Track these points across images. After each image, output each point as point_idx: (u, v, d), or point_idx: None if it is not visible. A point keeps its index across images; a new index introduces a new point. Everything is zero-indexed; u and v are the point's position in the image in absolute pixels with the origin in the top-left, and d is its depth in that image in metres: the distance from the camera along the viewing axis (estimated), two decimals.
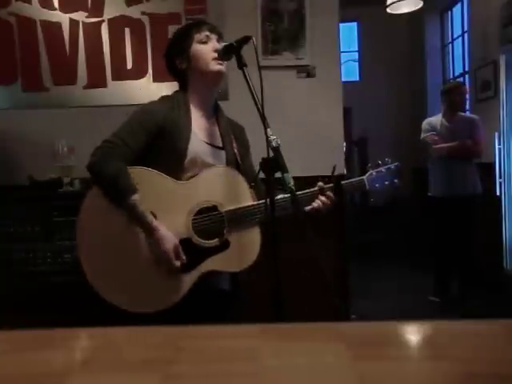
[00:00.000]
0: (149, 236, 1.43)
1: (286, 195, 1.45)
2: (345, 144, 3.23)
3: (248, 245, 1.51)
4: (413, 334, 0.60)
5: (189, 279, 1.45)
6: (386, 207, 6.55)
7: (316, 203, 1.54)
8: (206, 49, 1.55)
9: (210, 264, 1.48)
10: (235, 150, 1.63)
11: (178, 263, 1.43)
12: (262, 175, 1.37)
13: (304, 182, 1.55)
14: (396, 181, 1.59)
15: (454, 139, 3.52)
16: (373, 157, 5.44)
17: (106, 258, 1.44)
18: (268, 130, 1.30)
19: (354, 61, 7.46)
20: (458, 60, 5.83)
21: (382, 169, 1.59)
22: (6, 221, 2.35)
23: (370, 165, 1.60)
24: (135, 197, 1.40)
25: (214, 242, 1.48)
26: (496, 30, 4.12)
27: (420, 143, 3.74)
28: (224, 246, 1.49)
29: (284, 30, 2.83)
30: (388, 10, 4.11)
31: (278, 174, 1.30)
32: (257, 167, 1.38)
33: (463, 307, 3.47)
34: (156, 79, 2.80)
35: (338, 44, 2.91)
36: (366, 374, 0.46)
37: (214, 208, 1.49)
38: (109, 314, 1.39)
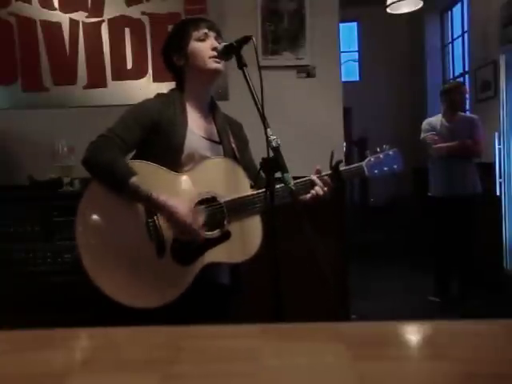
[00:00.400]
0: (160, 212, 1.41)
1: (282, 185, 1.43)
2: (345, 144, 3.23)
3: (249, 235, 1.50)
4: (413, 333, 0.60)
5: (191, 272, 1.44)
6: (385, 207, 6.58)
7: (315, 190, 1.51)
8: (204, 46, 1.54)
9: (212, 256, 1.47)
10: (233, 145, 1.63)
11: (197, 227, 1.40)
12: (261, 175, 1.37)
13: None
14: (395, 166, 1.58)
15: (453, 139, 3.52)
16: None
17: (108, 254, 1.43)
18: (268, 129, 1.30)
19: (354, 61, 7.47)
20: (458, 60, 5.84)
21: (380, 155, 1.58)
22: (6, 221, 2.35)
23: (368, 151, 1.60)
24: (135, 178, 1.38)
25: (215, 233, 1.47)
26: (496, 30, 4.12)
27: (420, 143, 3.74)
28: (225, 236, 1.48)
29: (284, 30, 2.83)
30: (388, 10, 4.12)
31: (278, 174, 1.30)
32: (257, 167, 1.38)
33: (463, 307, 3.47)
34: (156, 79, 2.80)
35: (338, 44, 2.91)
36: (366, 374, 0.46)
37: (213, 199, 1.48)
38: (109, 313, 1.39)
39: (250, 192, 1.51)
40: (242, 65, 1.40)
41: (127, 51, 2.82)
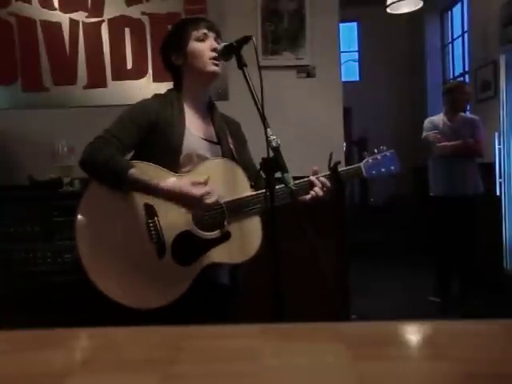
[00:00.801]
0: (166, 199, 1.40)
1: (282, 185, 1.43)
2: (345, 144, 3.22)
3: (249, 235, 1.50)
4: (413, 333, 0.60)
5: (191, 272, 1.45)
6: (385, 207, 6.58)
7: (314, 191, 1.52)
8: (204, 47, 1.54)
9: (212, 256, 1.47)
10: (231, 146, 1.63)
11: (204, 192, 1.38)
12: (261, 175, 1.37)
13: None
14: (393, 168, 1.59)
15: (455, 138, 3.51)
16: None
17: (108, 255, 1.43)
18: (268, 129, 1.30)
19: (354, 61, 7.47)
20: (458, 60, 5.84)
21: (378, 156, 1.59)
22: (6, 221, 2.35)
23: (366, 152, 1.61)
24: (133, 170, 1.38)
25: (215, 233, 1.48)
26: (496, 30, 4.12)
27: (421, 142, 3.73)
28: (225, 237, 1.48)
29: (284, 30, 2.83)
30: (388, 10, 4.12)
31: (278, 174, 1.30)
32: (256, 166, 1.38)
33: (463, 307, 3.47)
34: (156, 79, 2.80)
35: (337, 44, 2.91)
36: (366, 373, 0.46)
37: None
38: (109, 313, 1.39)
39: (249, 193, 1.51)
40: (241, 65, 1.40)
41: (127, 51, 2.82)
